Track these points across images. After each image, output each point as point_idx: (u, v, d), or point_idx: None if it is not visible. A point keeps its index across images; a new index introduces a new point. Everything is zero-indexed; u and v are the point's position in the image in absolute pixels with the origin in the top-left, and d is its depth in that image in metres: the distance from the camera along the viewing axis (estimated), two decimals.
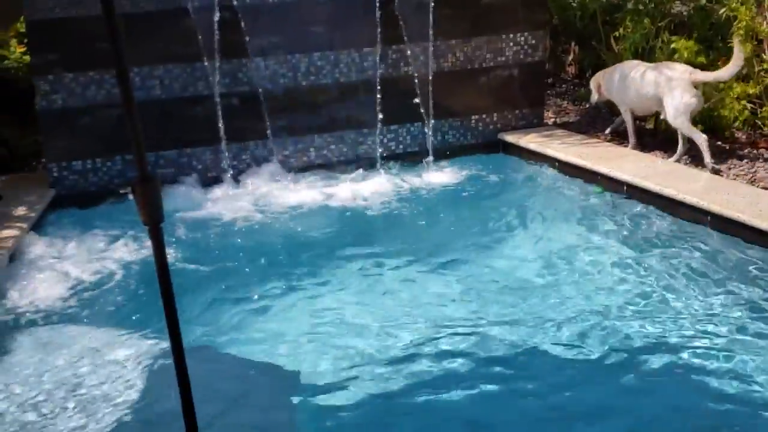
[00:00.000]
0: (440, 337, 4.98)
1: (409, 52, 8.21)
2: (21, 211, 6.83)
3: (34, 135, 7.80)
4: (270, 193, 7.63)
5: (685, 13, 8.72)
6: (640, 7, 8.71)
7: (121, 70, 2.44)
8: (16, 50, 8.24)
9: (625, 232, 6.43)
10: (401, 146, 8.51)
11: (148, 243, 2.59)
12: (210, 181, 7.82)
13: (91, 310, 5.48)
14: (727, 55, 7.80)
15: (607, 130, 8.50)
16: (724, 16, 7.89)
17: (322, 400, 4.39)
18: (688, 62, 7.68)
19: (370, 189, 7.72)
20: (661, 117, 7.68)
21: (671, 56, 8.00)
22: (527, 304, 5.41)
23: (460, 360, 4.75)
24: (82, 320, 5.35)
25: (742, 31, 7.51)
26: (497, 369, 4.69)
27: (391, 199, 7.48)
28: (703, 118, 7.87)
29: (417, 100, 8.23)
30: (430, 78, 8.33)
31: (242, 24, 7.56)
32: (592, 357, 4.74)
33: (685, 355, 4.69)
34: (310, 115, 8.12)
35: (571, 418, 4.23)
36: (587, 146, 8.12)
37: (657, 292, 5.45)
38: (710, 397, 4.34)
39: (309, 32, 7.94)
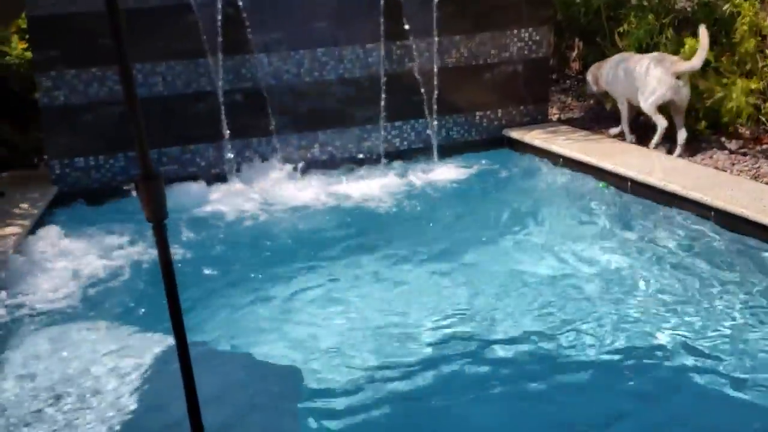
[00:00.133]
0: (450, 337, 4.97)
1: (413, 48, 8.20)
2: (23, 208, 6.83)
3: (35, 132, 7.78)
4: (274, 190, 7.62)
5: (689, 9, 8.70)
6: (645, 3, 8.69)
7: (124, 68, 2.44)
8: (18, 46, 8.22)
9: (629, 228, 6.44)
10: (405, 142, 8.50)
11: (152, 240, 2.58)
12: (213, 177, 7.81)
13: (94, 308, 5.47)
14: (731, 51, 7.79)
15: (615, 130, 8.49)
16: (728, 11, 7.87)
17: (329, 402, 4.38)
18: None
19: (374, 186, 7.72)
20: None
21: (675, 53, 7.98)
22: (536, 301, 5.40)
23: (470, 360, 4.74)
24: (85, 318, 5.33)
25: (746, 27, 7.50)
26: (507, 370, 4.69)
27: (395, 195, 7.47)
28: (706, 114, 7.86)
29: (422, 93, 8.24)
30: (435, 74, 8.31)
31: (245, 19, 7.54)
32: (603, 357, 4.75)
33: (689, 351, 4.69)
34: (313, 111, 8.11)
35: (585, 423, 4.20)
36: (592, 142, 8.11)
37: (660, 288, 5.46)
38: (716, 393, 4.34)
39: (312, 28, 7.92)
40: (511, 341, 4.91)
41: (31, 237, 6.32)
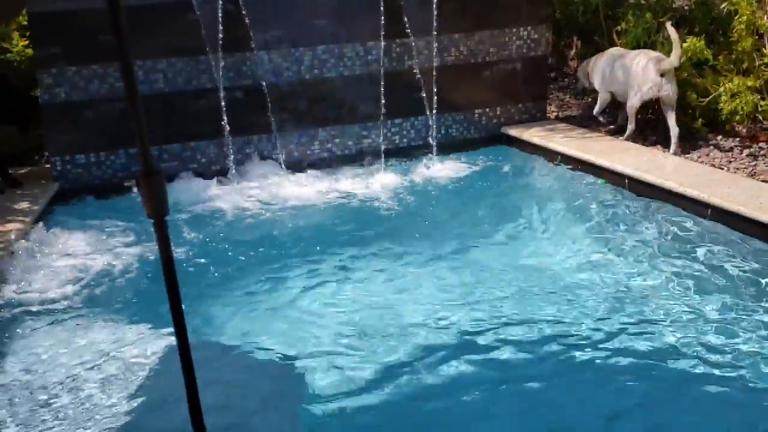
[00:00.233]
0: (450, 335, 4.98)
1: (413, 45, 8.23)
2: (24, 204, 6.86)
3: (36, 129, 7.79)
4: (273, 187, 7.65)
5: (686, 8, 8.73)
6: (642, 1, 8.73)
7: (125, 65, 2.45)
8: (18, 43, 8.24)
9: (626, 225, 6.46)
10: (405, 140, 8.54)
11: (153, 236, 2.59)
12: (214, 174, 7.83)
13: (94, 304, 5.49)
14: (728, 49, 7.82)
15: (611, 128, 8.55)
16: (725, 10, 7.90)
17: (329, 400, 4.37)
18: (694, 59, 7.75)
19: (373, 182, 7.76)
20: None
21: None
22: (535, 297, 5.43)
23: (470, 358, 4.74)
24: (86, 313, 5.35)
25: (743, 25, 7.53)
26: (507, 366, 4.70)
27: (394, 192, 7.51)
28: (703, 112, 7.89)
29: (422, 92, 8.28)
30: (434, 72, 8.35)
31: (246, 17, 7.57)
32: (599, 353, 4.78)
33: (685, 348, 4.72)
34: (314, 108, 8.14)
35: (591, 417, 4.23)
36: (589, 140, 8.15)
37: (658, 284, 5.49)
38: (714, 388, 4.38)
39: (313, 25, 7.95)
40: (509, 337, 4.93)
41: (31, 233, 6.33)
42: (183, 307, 2.64)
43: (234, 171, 7.86)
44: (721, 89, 7.57)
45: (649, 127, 8.32)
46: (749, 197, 6.23)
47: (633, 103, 7.88)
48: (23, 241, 6.14)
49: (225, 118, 7.72)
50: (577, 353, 4.73)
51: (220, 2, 7.45)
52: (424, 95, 8.35)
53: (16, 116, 7.45)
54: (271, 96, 7.85)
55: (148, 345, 4.86)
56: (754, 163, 7.21)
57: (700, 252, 5.87)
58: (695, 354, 4.63)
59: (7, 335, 5.03)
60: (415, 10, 8.12)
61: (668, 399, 4.31)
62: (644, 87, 7.67)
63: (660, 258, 5.86)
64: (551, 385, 4.48)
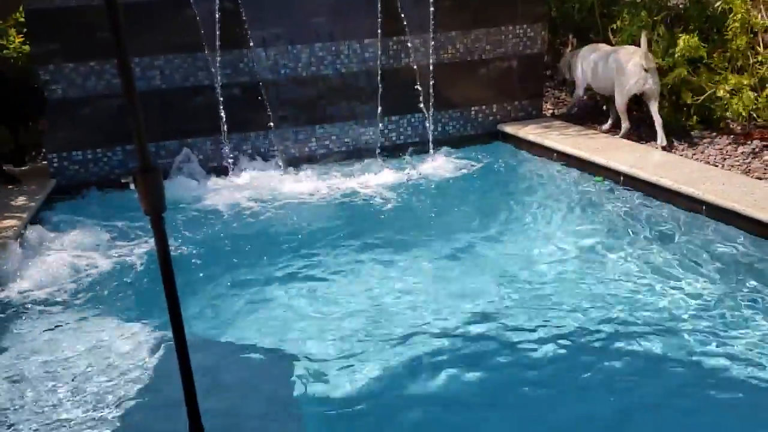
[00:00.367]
0: (447, 331, 4.99)
1: (409, 43, 8.26)
2: (21, 200, 6.88)
3: (33, 126, 7.80)
4: (271, 184, 7.68)
5: (681, 6, 8.75)
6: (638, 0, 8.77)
7: (123, 61, 2.46)
8: (15, 40, 8.23)
9: (621, 222, 6.48)
10: (402, 137, 8.57)
11: (150, 232, 2.59)
12: (211, 171, 7.86)
13: (90, 300, 5.50)
14: (723, 48, 7.85)
15: (605, 126, 8.58)
16: (719, 8, 7.93)
17: (329, 398, 4.37)
18: (688, 56, 7.78)
19: (370, 179, 7.78)
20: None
21: (667, 49, 8.06)
22: (532, 292, 5.45)
23: (469, 356, 4.75)
24: (81, 309, 5.36)
25: (737, 24, 7.56)
26: (504, 363, 4.71)
27: (391, 189, 7.52)
28: (698, 110, 7.93)
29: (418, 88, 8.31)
30: (431, 69, 8.38)
31: (243, 14, 7.59)
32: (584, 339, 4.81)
33: (678, 341, 4.74)
34: (311, 105, 8.17)
35: (582, 403, 4.27)
36: (584, 137, 8.18)
37: (654, 280, 5.50)
38: (709, 377, 4.41)
39: (310, 23, 7.98)
40: (506, 333, 4.95)
41: (29, 229, 6.34)
42: (180, 300, 2.65)
43: (231, 167, 7.89)
44: (720, 90, 7.58)
45: (645, 125, 8.35)
46: (743, 194, 6.26)
47: (621, 99, 8.02)
48: (20, 236, 6.16)
49: (222, 115, 7.74)
50: (578, 352, 4.75)
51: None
52: (421, 93, 8.38)
53: (13, 113, 7.45)
54: (268, 93, 7.87)
55: (146, 343, 4.86)
56: (748, 160, 7.23)
57: (693, 248, 5.90)
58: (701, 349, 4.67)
59: (2, 328, 5.06)
60: (412, 7, 8.15)
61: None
62: (630, 81, 7.84)
63: (655, 255, 5.88)
64: (552, 385, 4.51)
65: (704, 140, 7.84)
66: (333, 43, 8.08)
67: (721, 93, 7.60)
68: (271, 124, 7.96)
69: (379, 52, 8.18)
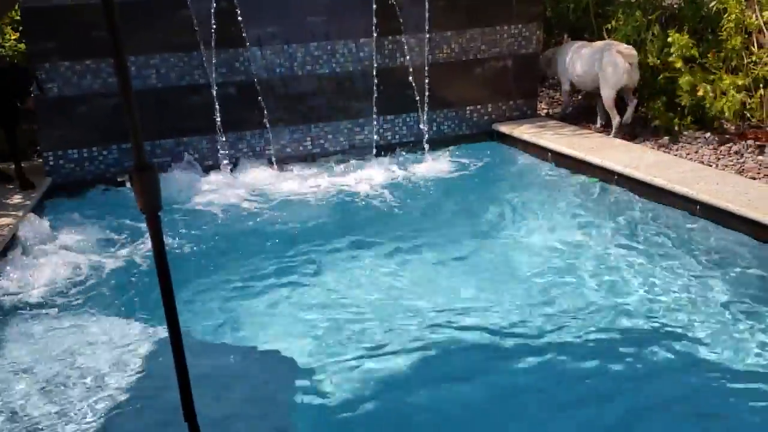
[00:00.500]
0: (443, 329, 5.02)
1: (404, 43, 8.27)
2: (17, 199, 6.87)
3: (29, 124, 7.79)
4: (266, 182, 7.69)
5: (676, 6, 8.78)
6: None
7: (119, 60, 2.46)
8: (11, 38, 8.22)
9: (616, 222, 6.50)
10: (397, 136, 8.58)
11: (146, 231, 2.59)
12: (206, 169, 7.86)
13: (85, 298, 5.51)
14: (717, 47, 7.87)
15: (597, 125, 8.64)
16: (714, 8, 7.96)
17: (322, 394, 4.39)
18: (683, 55, 7.81)
19: (365, 178, 7.80)
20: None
21: (662, 49, 8.09)
22: (527, 289, 5.48)
23: (466, 354, 4.79)
24: (76, 308, 5.37)
25: (732, 24, 7.59)
26: (502, 361, 4.74)
27: (386, 188, 7.54)
28: (692, 110, 7.95)
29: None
30: (426, 69, 8.39)
31: (239, 13, 7.60)
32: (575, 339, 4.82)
33: (672, 342, 4.76)
34: (306, 104, 8.18)
35: (580, 405, 4.27)
36: (579, 137, 8.21)
37: (648, 279, 5.53)
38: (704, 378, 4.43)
39: (306, 22, 7.99)
40: (502, 331, 4.97)
41: (22, 228, 6.31)
42: (175, 299, 2.65)
43: (226, 166, 7.89)
44: (708, 88, 7.61)
45: (639, 124, 8.38)
46: (737, 194, 6.29)
47: (608, 94, 8.12)
48: (14, 235, 6.15)
49: (218, 113, 7.75)
50: (578, 352, 4.75)
51: None
52: (416, 92, 8.39)
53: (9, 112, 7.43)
54: (263, 92, 7.88)
55: (141, 338, 4.87)
56: (742, 160, 7.26)
57: (687, 247, 5.93)
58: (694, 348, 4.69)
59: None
60: (407, 7, 8.16)
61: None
62: (616, 76, 7.98)
63: (650, 253, 5.90)
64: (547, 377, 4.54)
65: (698, 140, 7.86)
66: (328, 43, 8.10)
67: (701, 92, 7.64)
68: (267, 122, 7.96)
69: (375, 52, 8.19)
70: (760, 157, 7.23)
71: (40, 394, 4.34)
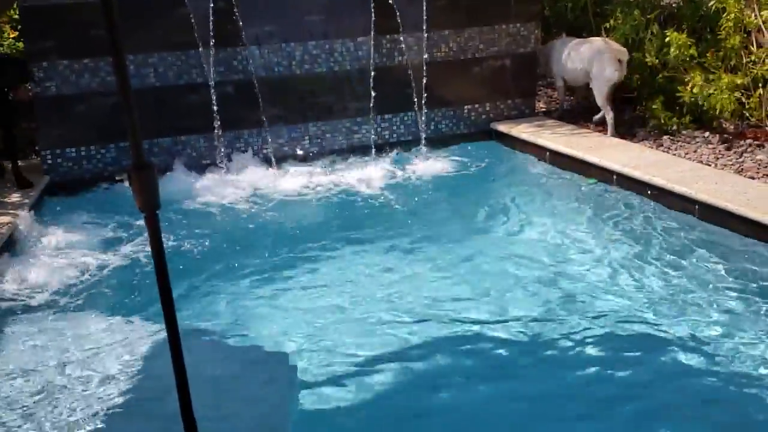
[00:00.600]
0: (441, 327, 5.02)
1: (403, 41, 8.27)
2: (15, 197, 6.87)
3: (28, 123, 7.79)
4: (263, 181, 7.69)
5: (674, 5, 8.78)
6: None
7: (118, 59, 2.46)
8: (9, 36, 8.22)
9: (614, 221, 6.50)
10: (395, 135, 8.58)
11: (144, 229, 2.59)
12: (204, 168, 7.85)
13: (85, 297, 5.50)
14: (715, 47, 7.87)
15: (595, 118, 8.66)
16: (713, 8, 7.95)
17: (321, 393, 4.39)
18: (681, 54, 7.81)
19: (363, 177, 7.79)
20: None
21: (661, 48, 8.09)
22: (524, 289, 5.47)
23: (464, 352, 4.79)
24: (75, 306, 5.37)
25: (731, 23, 7.58)
26: (500, 359, 4.74)
27: (383, 187, 7.55)
28: (691, 109, 7.95)
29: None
30: (424, 68, 8.39)
31: (237, 12, 7.59)
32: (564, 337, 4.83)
33: (671, 339, 4.76)
34: (304, 103, 8.17)
35: (583, 408, 4.26)
36: (577, 136, 8.20)
37: (645, 278, 5.53)
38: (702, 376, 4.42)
39: (304, 21, 7.99)
40: (499, 330, 4.96)
41: (22, 226, 6.33)
42: (174, 299, 2.65)
43: (224, 165, 7.89)
44: (699, 83, 7.62)
45: (637, 124, 8.39)
46: (736, 193, 6.28)
47: (600, 91, 8.18)
48: (13, 233, 6.15)
49: (216, 112, 7.74)
50: (577, 353, 4.75)
51: None
52: (414, 91, 8.39)
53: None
54: (261, 91, 7.87)
55: (139, 337, 4.87)
56: (741, 159, 7.26)
57: (686, 246, 5.93)
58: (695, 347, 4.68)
59: None
60: (405, 6, 8.16)
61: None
62: (607, 73, 8.06)
63: (648, 253, 5.90)
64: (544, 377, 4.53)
65: (697, 139, 7.86)
66: (327, 41, 8.09)
67: (686, 96, 7.66)
68: (265, 121, 7.96)
69: (373, 51, 8.19)
70: (759, 157, 7.23)
71: (40, 394, 4.32)
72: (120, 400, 4.26)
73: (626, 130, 8.24)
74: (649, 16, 8.38)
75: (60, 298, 5.46)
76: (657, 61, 8.12)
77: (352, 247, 6.29)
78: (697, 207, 6.36)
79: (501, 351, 4.77)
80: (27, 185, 7.07)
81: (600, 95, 8.18)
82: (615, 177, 7.17)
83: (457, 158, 8.32)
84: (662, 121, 8.04)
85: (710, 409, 4.21)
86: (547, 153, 8.02)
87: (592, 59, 8.17)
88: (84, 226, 6.60)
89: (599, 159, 7.37)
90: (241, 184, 7.62)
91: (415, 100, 8.43)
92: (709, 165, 7.16)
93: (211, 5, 7.49)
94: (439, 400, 4.34)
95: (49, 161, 7.49)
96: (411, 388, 4.45)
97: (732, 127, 8.03)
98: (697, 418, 4.12)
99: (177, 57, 7.63)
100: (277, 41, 7.91)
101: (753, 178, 6.77)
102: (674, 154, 7.51)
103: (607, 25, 8.74)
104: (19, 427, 4.05)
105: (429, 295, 5.44)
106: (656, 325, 4.92)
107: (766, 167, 6.99)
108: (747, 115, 7.83)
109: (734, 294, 5.22)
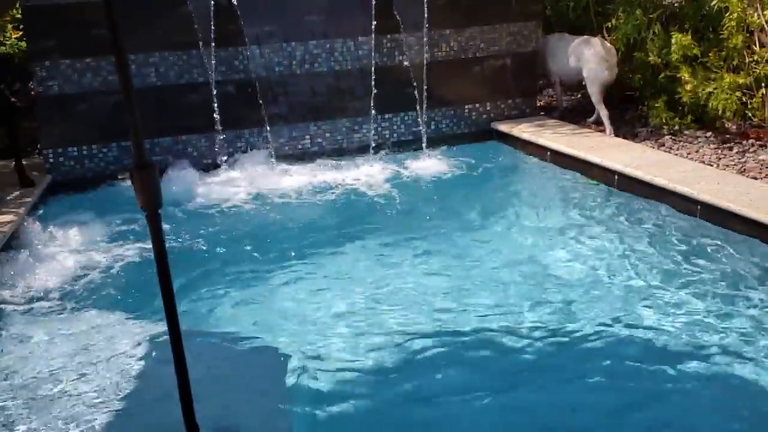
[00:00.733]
0: (439, 326, 5.01)
1: (403, 41, 8.27)
2: (17, 196, 6.87)
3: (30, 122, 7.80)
4: (264, 181, 7.69)
5: (677, 5, 8.76)
6: None
7: (120, 59, 2.47)
8: (12, 36, 8.23)
9: (615, 221, 6.49)
10: (395, 134, 8.58)
11: (146, 228, 2.59)
12: (205, 167, 7.86)
13: (88, 295, 5.50)
14: (718, 46, 7.85)
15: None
16: (715, 7, 7.93)
17: (320, 393, 4.37)
18: (683, 54, 7.80)
19: (363, 176, 7.79)
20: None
21: (662, 48, 8.09)
22: (523, 289, 5.46)
23: (463, 351, 4.78)
24: (79, 305, 5.36)
25: (733, 23, 7.56)
26: (498, 359, 4.72)
27: (384, 187, 7.54)
28: (693, 109, 7.95)
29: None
30: (424, 67, 8.38)
31: (238, 12, 7.59)
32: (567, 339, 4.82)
33: (673, 341, 4.75)
34: (305, 103, 8.18)
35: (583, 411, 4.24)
36: (578, 136, 8.19)
37: (647, 279, 5.51)
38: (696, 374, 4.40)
39: (305, 21, 8.00)
40: (501, 335, 4.93)
41: (24, 225, 6.34)
42: (175, 299, 2.65)
43: (225, 164, 7.89)
44: (693, 82, 7.62)
45: (639, 124, 8.38)
46: (739, 193, 6.27)
47: (594, 90, 8.27)
48: (15, 232, 6.16)
49: (217, 111, 7.74)
50: (578, 352, 4.74)
51: None
52: (415, 90, 8.39)
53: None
54: (262, 90, 7.88)
55: (141, 338, 4.86)
56: (743, 159, 7.25)
57: (687, 247, 5.91)
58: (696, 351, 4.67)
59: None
60: (406, 5, 8.15)
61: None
62: (600, 71, 8.18)
63: (648, 253, 5.89)
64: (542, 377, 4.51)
65: (699, 139, 7.85)
66: (327, 41, 8.10)
67: (686, 96, 7.66)
68: (266, 120, 7.96)
69: (373, 50, 8.19)
70: (761, 157, 7.23)
71: (39, 394, 4.32)
72: (120, 400, 4.25)
73: (628, 129, 8.24)
74: (651, 16, 8.37)
75: (61, 297, 5.45)
76: (659, 60, 8.11)
77: (353, 247, 6.29)
78: (699, 207, 6.34)
79: (504, 358, 4.74)
80: (29, 184, 7.08)
81: (594, 95, 8.26)
82: (616, 177, 7.15)
83: (457, 158, 8.31)
84: (664, 121, 8.04)
85: (721, 419, 4.16)
86: (548, 153, 8.02)
87: (581, 58, 8.30)
88: (86, 225, 6.59)
89: (601, 159, 7.36)
90: (241, 183, 7.62)
91: (416, 99, 8.42)
92: (711, 165, 7.15)
93: (213, 5, 7.49)
94: (440, 407, 4.31)
95: (51, 160, 7.50)
96: (416, 388, 4.44)
97: (734, 127, 8.02)
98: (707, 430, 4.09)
99: (178, 56, 7.64)
100: (278, 41, 7.92)
101: (755, 178, 6.76)
102: (676, 154, 7.50)
103: (609, 24, 8.73)
104: (19, 427, 4.05)
105: (430, 298, 5.40)
106: (662, 331, 4.89)
107: None
108: (749, 115, 7.82)
109: (742, 298, 5.20)
